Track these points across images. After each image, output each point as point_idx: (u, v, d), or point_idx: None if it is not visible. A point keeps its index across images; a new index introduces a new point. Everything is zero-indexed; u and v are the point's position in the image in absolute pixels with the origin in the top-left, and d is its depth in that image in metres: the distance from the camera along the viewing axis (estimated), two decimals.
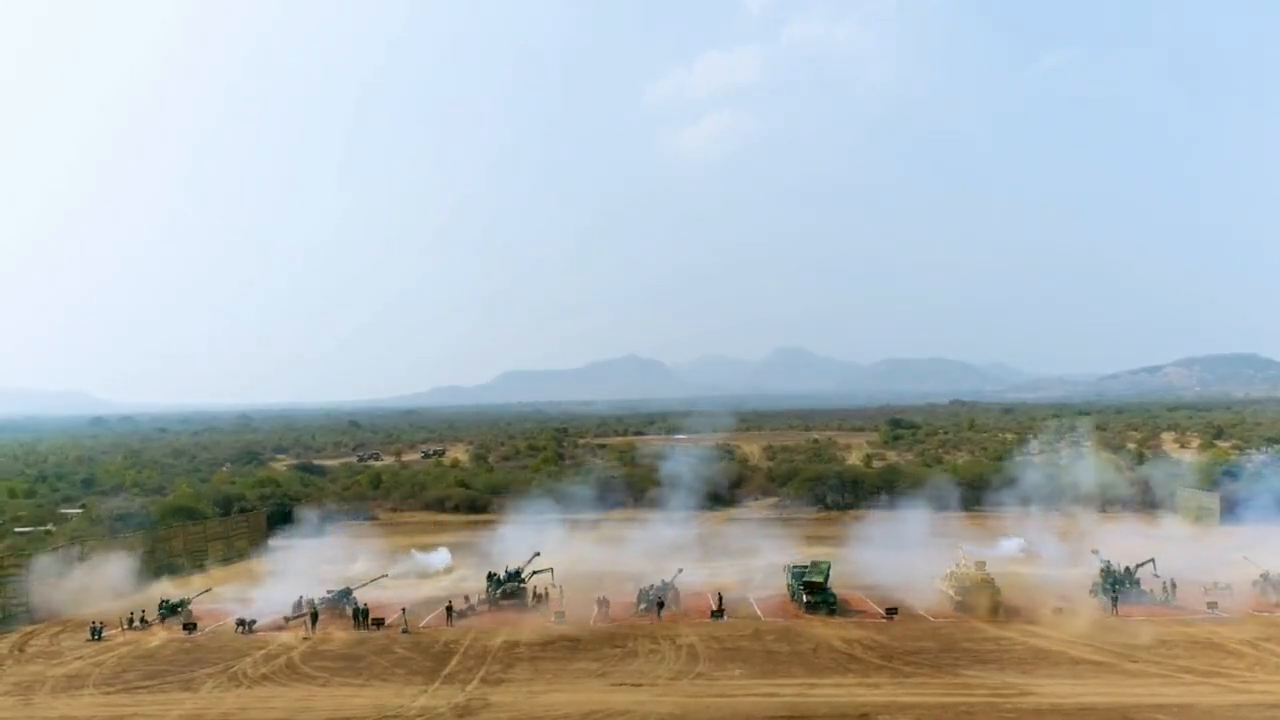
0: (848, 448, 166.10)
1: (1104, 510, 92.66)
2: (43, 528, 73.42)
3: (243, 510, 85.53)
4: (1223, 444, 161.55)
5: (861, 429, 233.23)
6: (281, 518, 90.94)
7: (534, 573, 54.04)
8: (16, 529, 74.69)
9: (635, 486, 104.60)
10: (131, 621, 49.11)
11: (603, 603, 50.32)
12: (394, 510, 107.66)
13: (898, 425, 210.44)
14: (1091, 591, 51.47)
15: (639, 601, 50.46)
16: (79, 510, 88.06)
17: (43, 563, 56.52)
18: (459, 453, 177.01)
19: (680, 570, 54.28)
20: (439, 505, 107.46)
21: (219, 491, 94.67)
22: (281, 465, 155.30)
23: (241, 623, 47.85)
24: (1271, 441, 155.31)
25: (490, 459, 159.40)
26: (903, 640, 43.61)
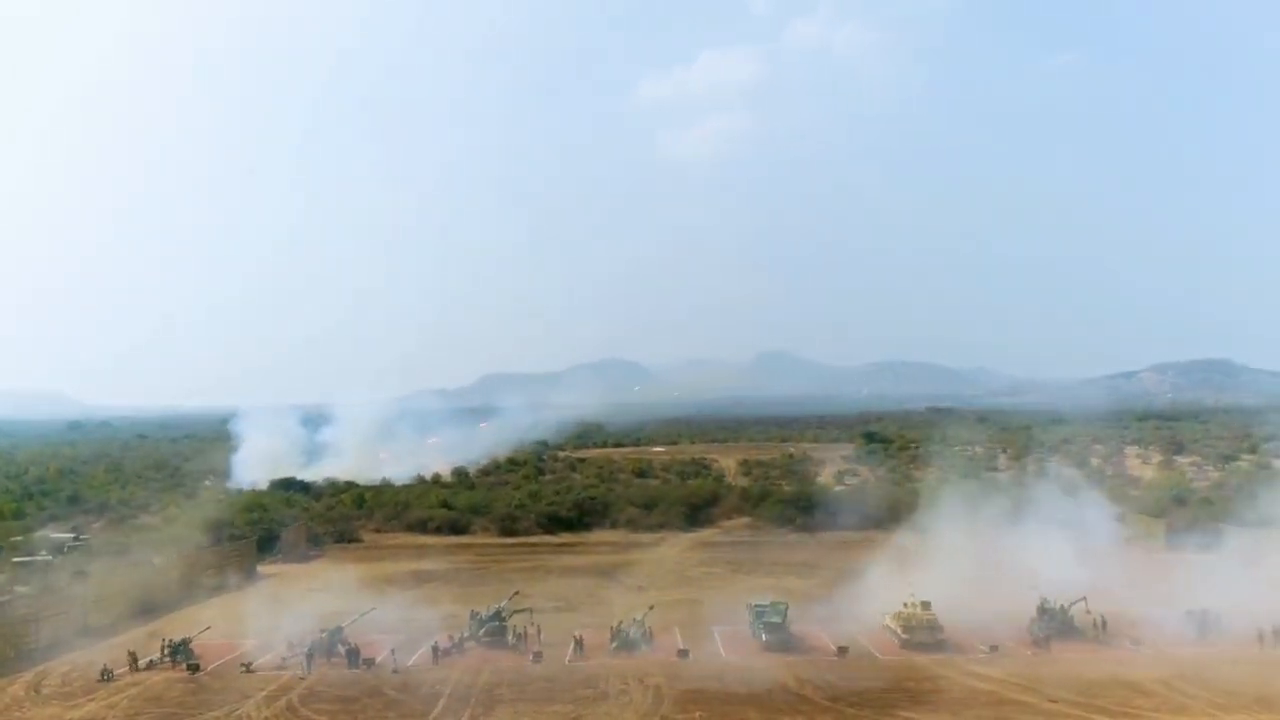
0: (822, 463, 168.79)
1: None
2: (43, 557, 76.01)
3: (232, 537, 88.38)
4: (1182, 460, 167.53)
5: (838, 440, 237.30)
6: (267, 542, 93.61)
7: (514, 612, 57.67)
8: (14, 558, 77.27)
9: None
10: (138, 662, 52.12)
11: (579, 641, 54.26)
12: (377, 531, 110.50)
13: (871, 439, 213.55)
14: (1029, 629, 55.80)
15: (612, 640, 54.26)
16: (70, 535, 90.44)
17: (50, 597, 59.67)
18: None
19: (651, 608, 58.00)
20: (422, 526, 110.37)
21: (207, 518, 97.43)
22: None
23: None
24: (1228, 459, 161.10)
25: (471, 473, 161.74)
26: (851, 680, 47.66)
